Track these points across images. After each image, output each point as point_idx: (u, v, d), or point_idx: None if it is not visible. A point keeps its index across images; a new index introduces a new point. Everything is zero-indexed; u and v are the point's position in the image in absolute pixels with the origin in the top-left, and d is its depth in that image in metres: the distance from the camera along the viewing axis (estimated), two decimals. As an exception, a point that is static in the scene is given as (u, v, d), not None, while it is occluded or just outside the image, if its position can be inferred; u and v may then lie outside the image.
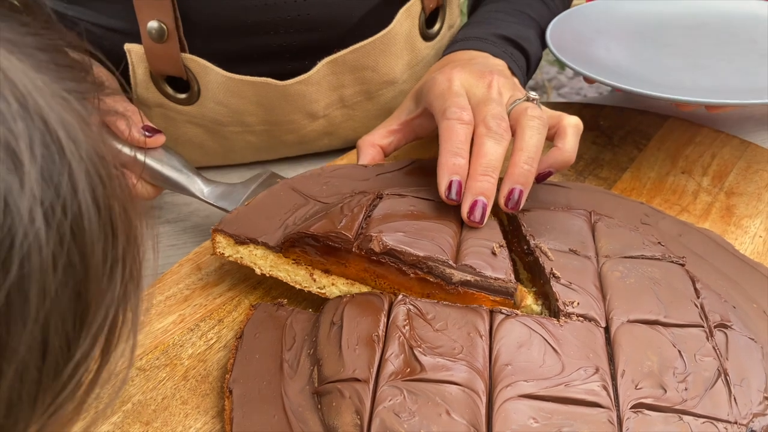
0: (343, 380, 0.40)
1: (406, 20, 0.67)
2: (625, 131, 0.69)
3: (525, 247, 0.51)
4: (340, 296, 0.46)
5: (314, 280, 0.50)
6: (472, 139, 0.51)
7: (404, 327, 0.42)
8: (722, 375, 0.39)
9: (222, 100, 0.64)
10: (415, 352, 0.41)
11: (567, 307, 0.44)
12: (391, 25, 0.65)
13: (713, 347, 0.41)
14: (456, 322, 0.43)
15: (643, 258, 0.48)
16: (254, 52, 0.65)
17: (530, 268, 0.51)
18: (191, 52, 0.62)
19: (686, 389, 0.39)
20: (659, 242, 0.50)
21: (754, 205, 0.60)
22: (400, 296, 0.45)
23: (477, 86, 0.53)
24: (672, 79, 0.63)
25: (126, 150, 0.55)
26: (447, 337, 0.42)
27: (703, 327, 0.43)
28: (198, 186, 0.58)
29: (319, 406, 0.40)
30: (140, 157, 0.56)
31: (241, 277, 0.54)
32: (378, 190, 0.53)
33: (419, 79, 0.70)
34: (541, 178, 0.53)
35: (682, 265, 0.48)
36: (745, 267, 0.50)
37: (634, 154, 0.66)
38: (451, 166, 0.50)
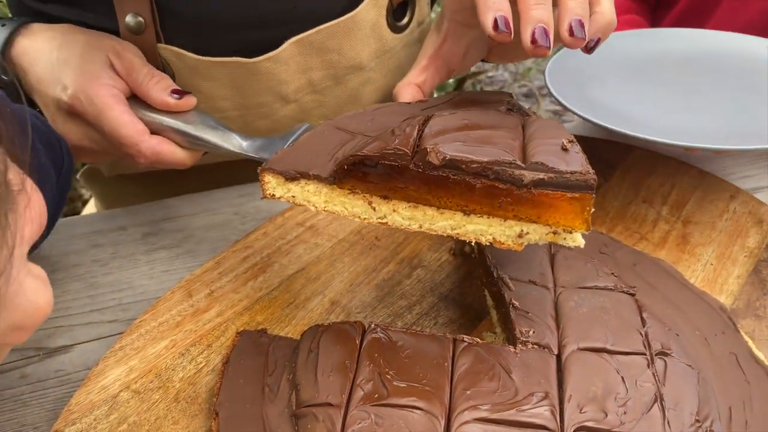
0: (317, 405, 0.44)
1: (372, 8, 0.71)
2: (593, 161, 0.73)
3: (490, 277, 0.55)
4: (317, 325, 0.50)
5: (374, 209, 0.47)
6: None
7: (375, 355, 0.47)
8: (658, 400, 0.44)
9: (195, 86, 0.67)
10: (384, 379, 0.45)
11: (523, 336, 0.48)
12: (356, 10, 0.69)
13: (653, 374, 0.45)
14: (423, 350, 0.47)
15: (596, 288, 0.53)
16: (229, 42, 0.67)
17: (495, 297, 0.55)
18: (166, 43, 0.66)
19: (625, 413, 0.43)
20: (612, 273, 0.54)
21: (707, 234, 0.64)
22: (372, 325, 0.49)
23: None
24: (676, 122, 0.66)
25: (158, 116, 0.59)
26: (414, 364, 0.46)
27: (645, 355, 0.47)
28: (236, 141, 0.58)
29: (296, 428, 0.44)
30: (169, 122, 0.59)
31: (229, 304, 0.58)
32: (427, 114, 0.51)
33: (389, 69, 0.76)
34: (591, 47, 0.52)
35: (632, 294, 0.52)
36: (692, 295, 0.55)
37: (600, 183, 0.70)
38: (491, 5, 0.48)
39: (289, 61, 0.69)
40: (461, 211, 0.45)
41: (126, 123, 0.58)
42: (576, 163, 0.43)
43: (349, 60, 0.72)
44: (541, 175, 0.43)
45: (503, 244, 0.47)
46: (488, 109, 0.52)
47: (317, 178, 0.47)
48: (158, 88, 0.59)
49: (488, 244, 0.47)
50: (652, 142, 0.60)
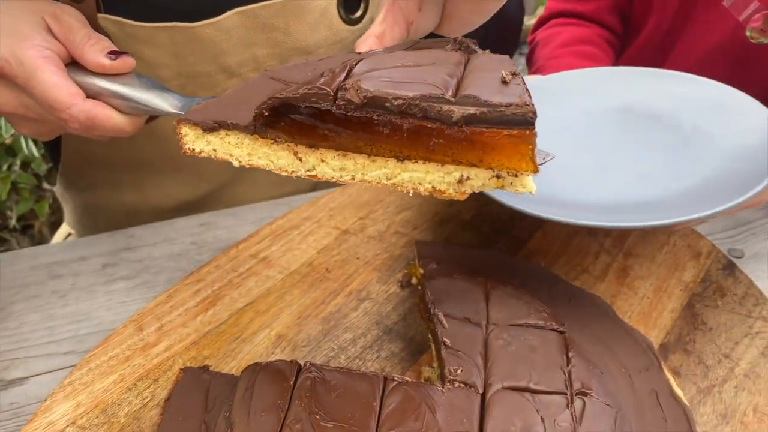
0: (248, 444, 0.46)
1: None
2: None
3: (428, 312, 0.57)
4: (256, 363, 0.52)
5: (300, 160, 0.44)
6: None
7: (307, 395, 0.49)
8: (573, 440, 0.46)
9: (136, 53, 0.66)
10: (312, 419, 0.47)
11: (451, 375, 0.50)
12: None
13: (571, 413, 0.47)
14: (354, 390, 0.49)
15: (527, 326, 0.55)
16: (171, 8, 0.67)
17: (432, 332, 0.57)
18: (106, 12, 0.66)
19: (540, 453, 0.45)
20: (545, 310, 0.56)
21: (647, 267, 0.66)
22: (307, 365, 0.51)
23: None
24: (618, 194, 0.63)
25: (95, 80, 0.55)
26: (344, 404, 0.48)
27: (565, 394, 0.49)
28: (173, 101, 0.54)
29: (228, 466, 0.46)
30: (105, 84, 0.55)
31: (178, 338, 0.60)
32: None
33: None
34: None
35: (562, 332, 0.54)
36: (622, 332, 0.57)
37: (548, 214, 0.72)
38: None
39: (232, 32, 0.70)
40: (394, 158, 0.42)
41: (56, 84, 0.54)
42: (513, 95, 0.38)
43: (295, 41, 0.73)
44: (472, 110, 0.39)
45: (444, 192, 0.43)
46: (435, 49, 0.48)
47: (237, 128, 0.44)
48: (94, 49, 0.56)
49: (428, 193, 0.43)
50: (560, 222, 0.56)
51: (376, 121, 0.41)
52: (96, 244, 0.74)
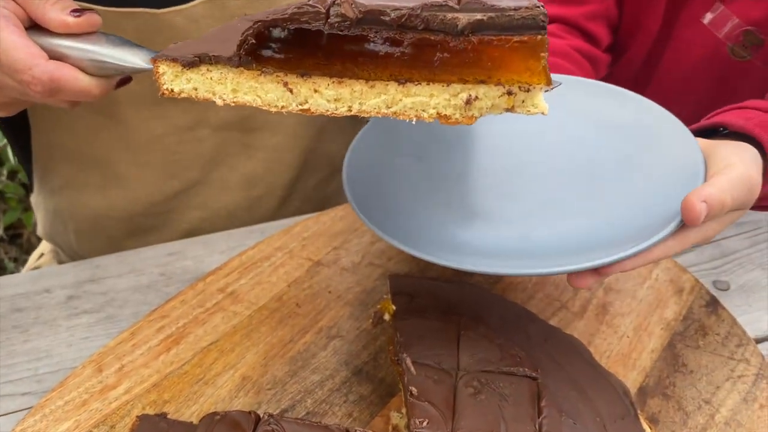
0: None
1: None
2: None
3: (398, 356, 0.55)
4: (214, 413, 0.50)
5: (291, 92, 0.41)
6: None
7: (263, 449, 0.46)
8: (541, 501, 0.43)
9: None
10: (268, 477, 0.45)
11: (416, 427, 0.48)
12: None
13: (540, 471, 0.45)
14: (314, 442, 0.47)
15: (499, 372, 0.52)
16: None
17: (400, 376, 0.55)
18: None
19: None
20: (518, 355, 0.54)
21: (628, 303, 0.64)
22: (265, 416, 0.48)
23: None
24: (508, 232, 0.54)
25: (59, 40, 0.52)
26: (303, 458, 0.46)
27: (535, 449, 0.47)
28: (144, 56, 0.50)
29: None
30: (69, 44, 0.52)
31: (138, 380, 0.58)
32: None
33: None
34: None
35: (535, 379, 0.52)
36: (598, 377, 0.54)
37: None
38: None
39: (200, 21, 0.69)
40: (395, 81, 0.39)
41: (15, 45, 0.51)
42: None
43: None
44: (479, 16, 0.36)
45: (450, 118, 0.40)
46: None
47: (220, 61, 0.41)
48: (56, 8, 0.52)
49: (433, 120, 0.40)
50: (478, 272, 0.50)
51: (372, 40, 0.38)
52: (61, 274, 0.72)
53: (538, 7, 0.35)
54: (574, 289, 0.65)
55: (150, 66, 0.48)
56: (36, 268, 0.96)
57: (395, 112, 0.40)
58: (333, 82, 0.40)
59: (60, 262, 0.94)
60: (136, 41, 0.67)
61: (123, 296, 0.69)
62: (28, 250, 1.99)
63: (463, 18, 0.36)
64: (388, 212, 0.54)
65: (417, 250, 0.50)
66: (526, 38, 0.36)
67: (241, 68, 0.41)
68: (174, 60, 0.42)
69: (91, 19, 0.52)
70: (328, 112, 0.41)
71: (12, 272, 1.89)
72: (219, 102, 0.43)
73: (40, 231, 0.95)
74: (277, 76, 0.41)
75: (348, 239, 0.72)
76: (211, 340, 0.61)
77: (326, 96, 0.41)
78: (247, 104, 0.42)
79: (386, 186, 0.57)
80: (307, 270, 0.69)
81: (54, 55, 0.52)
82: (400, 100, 0.40)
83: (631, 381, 0.57)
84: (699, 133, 0.62)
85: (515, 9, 0.35)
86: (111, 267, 0.72)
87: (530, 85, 0.37)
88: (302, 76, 0.40)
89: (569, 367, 0.55)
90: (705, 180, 0.52)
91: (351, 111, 0.41)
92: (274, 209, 0.87)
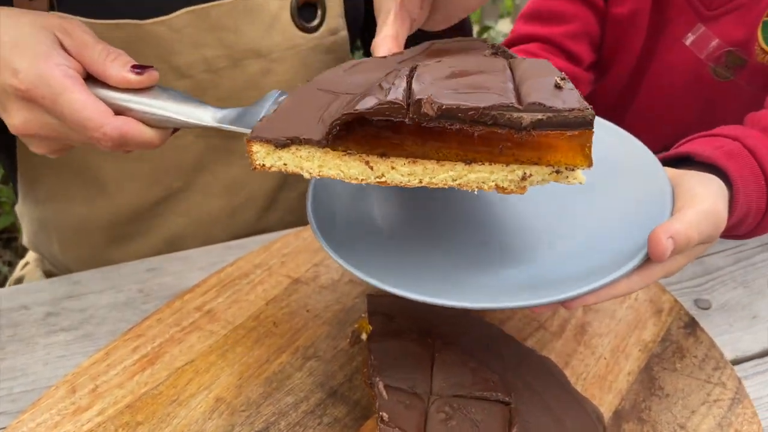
0: None
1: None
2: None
3: (371, 380, 0.54)
4: (183, 438, 0.50)
5: (371, 168, 0.46)
6: None
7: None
8: None
9: None
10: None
11: (386, 455, 0.48)
12: None
13: (508, 501, 0.45)
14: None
15: (471, 397, 0.52)
16: (123, 6, 0.68)
17: (373, 399, 0.54)
18: (59, 9, 0.65)
19: None
20: (491, 379, 0.53)
21: (606, 324, 0.63)
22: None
23: None
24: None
25: (120, 95, 0.55)
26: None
27: (504, 478, 0.46)
28: (208, 114, 0.54)
29: None
30: (133, 100, 0.55)
31: (112, 400, 0.58)
32: (411, 65, 0.49)
33: (294, 67, 0.77)
34: None
35: (507, 404, 0.52)
36: (572, 401, 0.54)
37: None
38: None
39: (183, 31, 0.70)
40: (462, 161, 0.45)
41: (87, 104, 0.54)
42: (572, 100, 0.42)
43: (246, 43, 0.74)
44: (540, 116, 0.42)
45: (506, 189, 0.46)
46: (471, 54, 0.51)
47: (309, 142, 0.45)
48: (116, 65, 0.55)
49: (492, 190, 0.46)
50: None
51: (447, 129, 0.43)
52: (39, 290, 0.71)
53: (588, 108, 0.41)
54: (553, 309, 0.65)
55: (215, 124, 0.53)
56: (20, 278, 0.96)
57: (459, 184, 0.46)
58: (408, 161, 0.46)
59: (44, 271, 0.94)
60: (123, 51, 0.68)
61: (101, 313, 0.69)
62: (23, 254, 1.99)
63: (527, 117, 0.42)
64: (353, 240, 0.54)
65: (374, 278, 0.49)
66: (577, 133, 0.42)
67: (327, 148, 0.45)
68: (267, 141, 0.46)
69: (152, 76, 0.55)
70: (402, 184, 0.47)
71: (6, 276, 1.89)
72: (306, 175, 0.47)
73: (25, 240, 0.95)
74: (360, 156, 0.46)
75: (328, 256, 0.72)
76: (186, 360, 0.61)
77: (401, 172, 0.46)
78: (331, 177, 0.46)
79: (352, 214, 0.57)
80: (286, 288, 0.68)
81: (117, 109, 0.55)
82: (466, 175, 0.46)
83: (607, 404, 0.56)
84: (669, 161, 0.62)
85: (569, 110, 0.41)
86: (90, 283, 0.72)
87: (575, 166, 0.44)
88: (382, 155, 0.46)
89: (543, 391, 0.55)
90: (672, 212, 0.51)
91: (421, 183, 0.46)
92: (256, 218, 0.87)
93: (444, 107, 0.42)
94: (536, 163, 0.45)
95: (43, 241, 0.90)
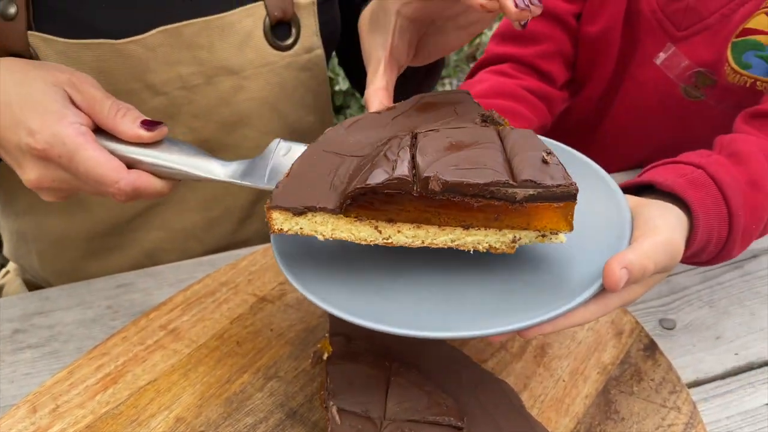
0: None
1: (247, 17, 0.74)
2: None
3: (326, 403, 0.55)
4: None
5: (380, 232, 0.51)
6: None
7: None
8: None
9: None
10: None
11: (334, 481, 0.48)
12: (229, 12, 0.73)
13: None
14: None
15: (424, 422, 0.52)
16: (98, 25, 0.69)
17: (328, 423, 0.55)
18: (37, 30, 0.67)
19: None
20: (445, 403, 0.54)
21: (567, 345, 0.64)
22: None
23: None
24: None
25: (130, 148, 0.57)
26: None
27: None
28: (217, 169, 0.57)
29: None
30: (144, 154, 0.57)
31: (72, 421, 0.58)
32: (408, 131, 0.55)
33: (269, 84, 0.78)
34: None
35: (459, 429, 0.52)
36: (526, 427, 0.54)
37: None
38: None
39: (158, 50, 0.71)
40: (460, 226, 0.50)
41: (101, 161, 0.55)
42: (558, 175, 0.48)
43: (220, 61, 0.74)
44: (531, 191, 0.48)
45: (498, 249, 0.51)
46: (463, 121, 0.56)
47: (324, 210, 0.50)
48: (127, 121, 0.57)
49: (485, 251, 0.51)
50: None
51: (449, 200, 0.48)
52: (9, 306, 0.72)
53: (573, 183, 0.47)
54: (515, 330, 0.65)
55: (227, 179, 0.57)
56: (0, 286, 0.97)
57: (457, 245, 0.51)
58: (413, 226, 0.51)
59: (24, 280, 0.95)
60: (97, 70, 0.70)
61: (69, 330, 0.69)
62: (5, 262, 1.99)
63: (521, 192, 0.48)
64: (313, 265, 0.54)
65: (319, 299, 0.50)
66: (563, 204, 0.48)
67: (341, 216, 0.50)
68: (286, 209, 0.50)
69: (162, 132, 0.57)
70: (406, 245, 0.52)
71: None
72: (320, 237, 0.51)
73: (6, 251, 0.96)
74: (370, 222, 0.50)
75: (295, 274, 0.72)
76: (148, 379, 0.62)
77: (407, 235, 0.51)
78: (342, 238, 0.51)
79: (314, 245, 0.56)
80: (251, 306, 0.69)
81: (127, 161, 0.57)
82: (463, 238, 0.51)
83: (563, 428, 0.57)
84: (632, 187, 0.62)
85: (557, 186, 0.47)
86: (60, 299, 0.73)
87: (558, 231, 0.50)
88: (389, 221, 0.50)
89: (497, 415, 0.55)
90: (630, 241, 0.52)
91: (423, 244, 0.52)
92: (233, 231, 0.87)
93: (450, 183, 0.47)
94: (525, 228, 0.50)
95: (23, 254, 0.91)
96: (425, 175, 0.48)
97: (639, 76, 0.86)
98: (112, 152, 0.57)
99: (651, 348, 0.63)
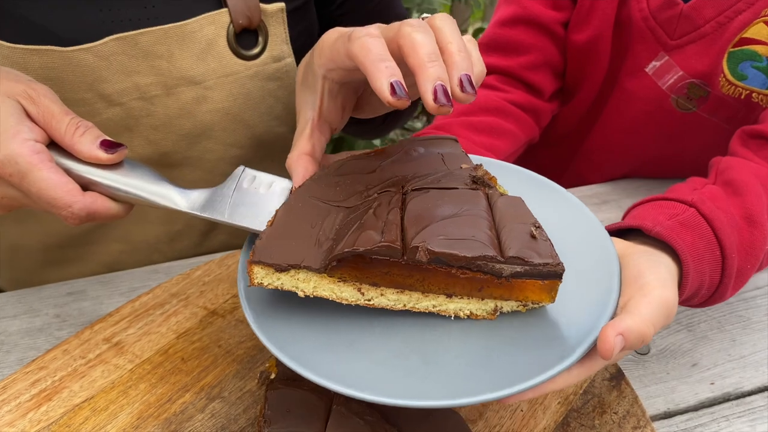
0: None
1: (209, 24, 0.70)
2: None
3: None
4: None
5: (362, 294, 0.50)
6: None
7: None
8: None
9: None
10: None
11: None
12: (189, 21, 0.69)
13: None
14: None
15: (361, 456, 0.49)
16: (47, 30, 0.65)
17: (264, 453, 0.52)
18: None
19: None
20: (388, 436, 0.51)
21: (528, 371, 0.60)
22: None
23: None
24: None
25: (87, 168, 0.54)
26: None
27: None
28: (177, 198, 0.55)
29: None
30: (102, 176, 0.54)
31: (0, 440, 0.55)
32: (398, 186, 0.53)
33: (233, 94, 0.74)
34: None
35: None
36: (472, 463, 0.51)
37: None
38: (384, 70, 0.45)
39: (111, 59, 0.67)
40: (444, 294, 0.49)
41: (55, 184, 0.52)
42: (546, 253, 0.47)
43: (180, 71, 0.70)
44: (518, 268, 0.47)
45: (478, 316, 0.51)
46: (453, 179, 0.54)
47: (308, 269, 0.48)
48: (85, 140, 0.54)
49: (465, 317, 0.51)
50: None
51: (435, 269, 0.48)
52: (-45, 312, 0.69)
53: (559, 263, 0.47)
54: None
55: (187, 210, 0.54)
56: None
57: (439, 311, 0.51)
58: (396, 291, 0.50)
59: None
60: (44, 77, 0.65)
61: (12, 340, 0.66)
62: None
63: (507, 269, 0.47)
64: (287, 317, 0.51)
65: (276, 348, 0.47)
66: (548, 282, 0.48)
67: (324, 275, 0.49)
68: (269, 266, 0.48)
69: (123, 154, 0.54)
70: (388, 307, 0.51)
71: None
72: (300, 294, 0.49)
73: None
74: (353, 284, 0.49)
75: (251, 286, 0.69)
76: (85, 396, 0.59)
77: (389, 298, 0.50)
78: (323, 297, 0.49)
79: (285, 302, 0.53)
80: (201, 320, 0.66)
81: (83, 182, 0.54)
82: (446, 305, 0.51)
83: (515, 463, 0.53)
84: (619, 230, 0.59)
85: (543, 264, 0.47)
86: (7, 306, 0.70)
87: (540, 302, 0.50)
88: (373, 285, 0.49)
89: (444, 449, 0.52)
90: (618, 294, 0.49)
91: (405, 308, 0.51)
92: (198, 243, 0.84)
93: (437, 253, 0.46)
94: (507, 299, 0.50)
95: None
96: (413, 244, 0.47)
97: (629, 85, 0.82)
98: (68, 171, 0.53)
99: (617, 377, 0.59)
